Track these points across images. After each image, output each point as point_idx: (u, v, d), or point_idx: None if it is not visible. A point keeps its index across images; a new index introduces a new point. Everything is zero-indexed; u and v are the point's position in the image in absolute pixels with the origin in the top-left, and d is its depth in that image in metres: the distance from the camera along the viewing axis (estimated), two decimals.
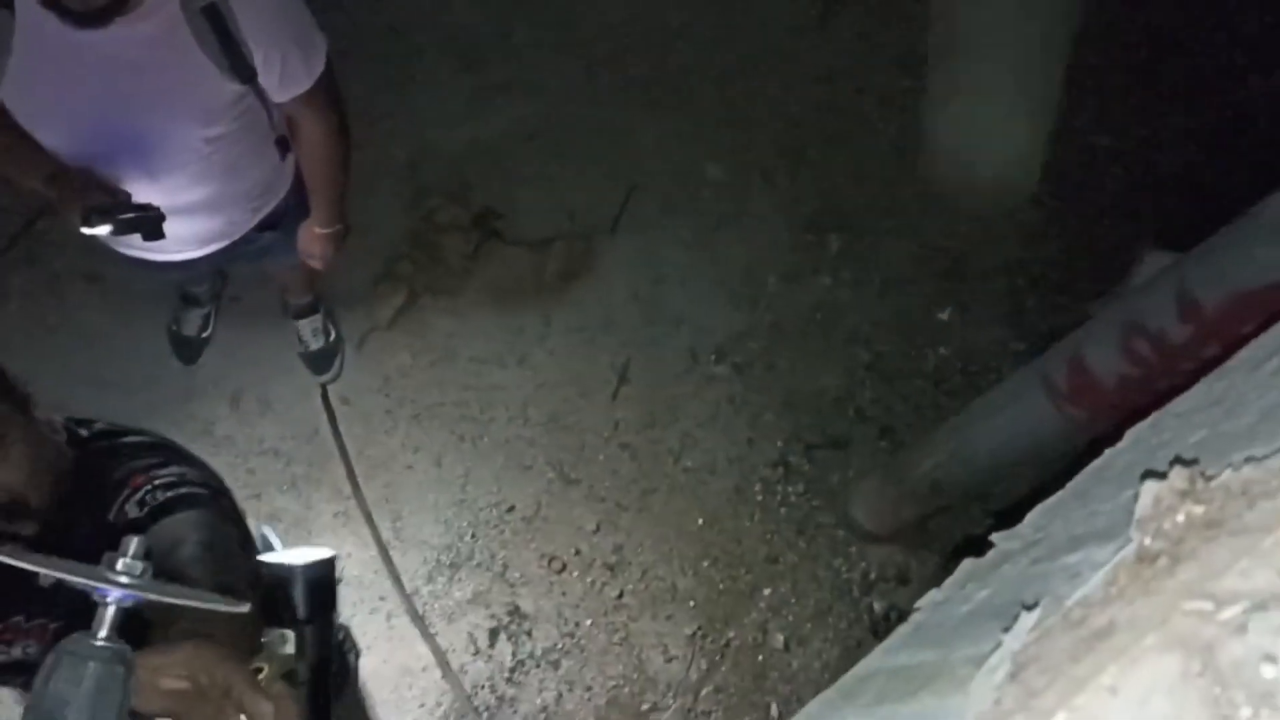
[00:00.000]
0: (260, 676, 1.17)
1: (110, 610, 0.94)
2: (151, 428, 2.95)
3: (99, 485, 1.49)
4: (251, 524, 1.87)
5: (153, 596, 0.96)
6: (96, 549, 1.35)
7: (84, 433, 1.59)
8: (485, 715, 2.87)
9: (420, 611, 2.97)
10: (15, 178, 1.95)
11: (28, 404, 1.44)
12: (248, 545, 1.69)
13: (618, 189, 3.54)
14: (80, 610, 0.97)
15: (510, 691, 2.91)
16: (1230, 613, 0.40)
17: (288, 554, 1.38)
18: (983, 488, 2.83)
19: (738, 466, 3.18)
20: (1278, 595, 0.40)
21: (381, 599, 2.98)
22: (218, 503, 1.51)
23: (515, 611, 2.99)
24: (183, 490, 1.46)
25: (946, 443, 2.71)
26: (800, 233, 3.49)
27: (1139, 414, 0.85)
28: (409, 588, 2.99)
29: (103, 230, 1.80)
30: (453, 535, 3.06)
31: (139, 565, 0.97)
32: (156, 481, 1.46)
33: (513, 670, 2.92)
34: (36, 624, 1.49)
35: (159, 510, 1.42)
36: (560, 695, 2.91)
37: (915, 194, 3.55)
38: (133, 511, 1.43)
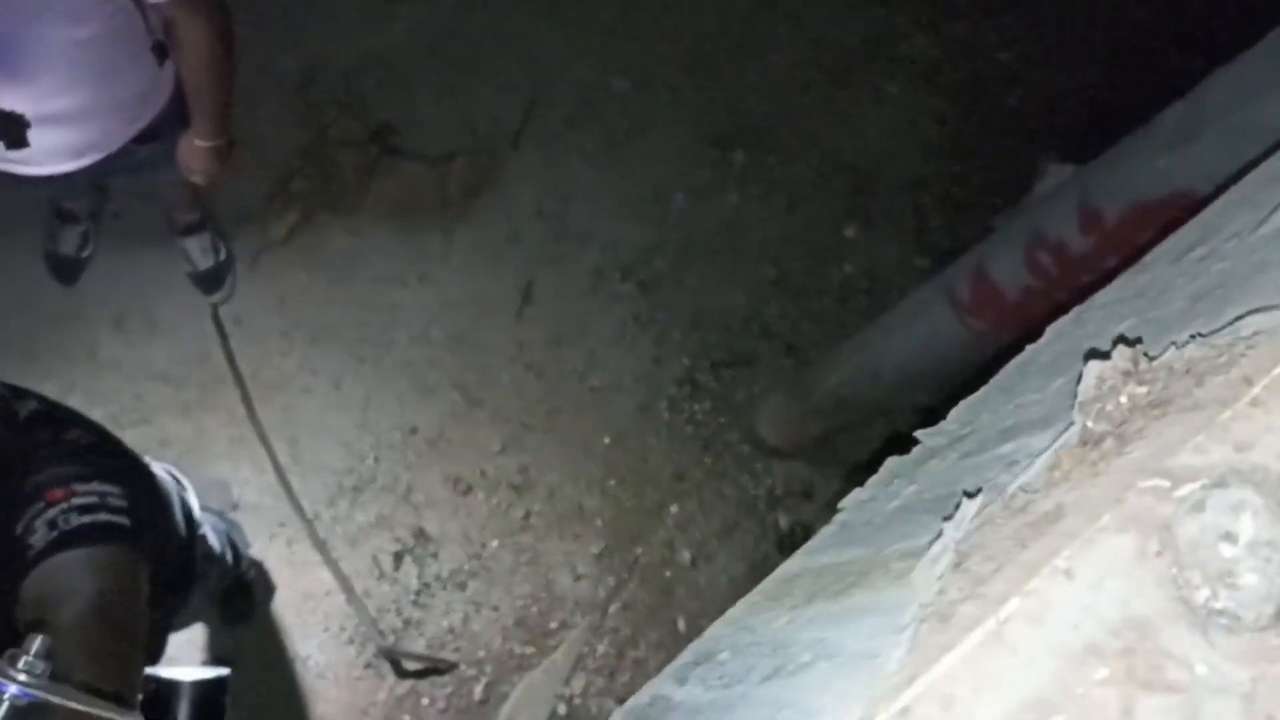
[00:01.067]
0: None
1: (4, 707, 0.97)
2: (30, 352, 2.79)
3: (16, 480, 1.37)
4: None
5: (49, 698, 0.98)
6: None
7: (21, 411, 1.46)
8: (391, 639, 2.83)
9: (322, 536, 2.90)
10: None
11: None
12: (161, 557, 1.60)
13: (520, 103, 3.43)
14: None
15: (416, 614, 2.87)
16: (1187, 489, 0.38)
17: (176, 669, 1.29)
18: (887, 402, 2.87)
19: (644, 385, 3.16)
20: (1236, 470, 0.37)
21: (281, 524, 2.91)
22: (135, 537, 1.38)
23: (420, 534, 2.94)
24: (99, 517, 1.34)
25: (851, 358, 2.73)
26: (708, 148, 3.44)
27: (1040, 325, 0.84)
28: (310, 512, 2.92)
29: None
30: (354, 458, 2.99)
31: (40, 665, 0.99)
32: (74, 500, 1.34)
33: (418, 593, 2.89)
34: None
35: (67, 537, 1.31)
36: (467, 616, 2.89)
37: (822, 109, 3.53)
38: (40, 530, 1.31)
